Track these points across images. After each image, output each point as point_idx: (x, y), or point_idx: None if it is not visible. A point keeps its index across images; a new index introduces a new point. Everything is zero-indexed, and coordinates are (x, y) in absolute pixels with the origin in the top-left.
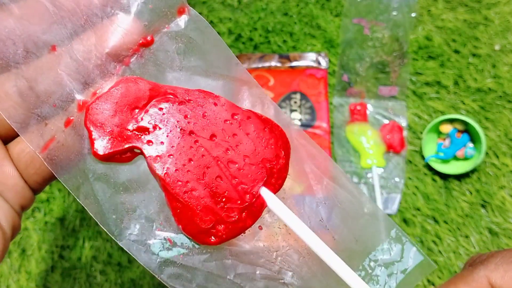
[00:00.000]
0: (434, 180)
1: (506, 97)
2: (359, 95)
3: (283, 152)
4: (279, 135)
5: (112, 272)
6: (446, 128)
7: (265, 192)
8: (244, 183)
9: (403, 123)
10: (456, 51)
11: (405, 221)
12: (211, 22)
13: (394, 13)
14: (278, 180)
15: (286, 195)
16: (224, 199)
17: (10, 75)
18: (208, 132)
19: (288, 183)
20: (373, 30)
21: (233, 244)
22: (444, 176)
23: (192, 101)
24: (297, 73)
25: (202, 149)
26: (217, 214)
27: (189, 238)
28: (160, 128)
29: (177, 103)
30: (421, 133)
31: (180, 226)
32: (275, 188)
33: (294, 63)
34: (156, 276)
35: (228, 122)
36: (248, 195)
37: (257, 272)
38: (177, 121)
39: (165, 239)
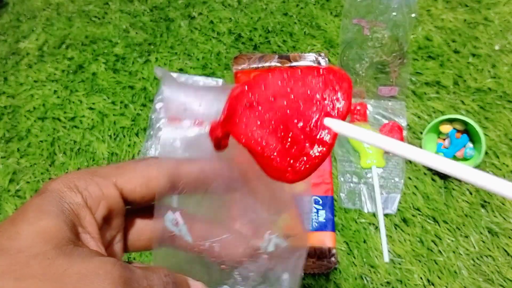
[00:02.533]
0: (433, 180)
1: (506, 97)
2: (359, 95)
3: (337, 86)
4: (333, 75)
5: None
6: (446, 128)
7: (328, 121)
8: (307, 122)
9: (403, 123)
10: (456, 51)
11: (404, 221)
12: (211, 22)
13: (394, 13)
14: (340, 109)
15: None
16: (290, 140)
17: None
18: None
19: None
20: (373, 31)
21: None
22: (444, 176)
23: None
24: None
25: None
26: (289, 153)
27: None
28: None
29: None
30: (421, 133)
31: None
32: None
33: (294, 63)
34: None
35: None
36: (311, 129)
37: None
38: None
39: (175, 220)
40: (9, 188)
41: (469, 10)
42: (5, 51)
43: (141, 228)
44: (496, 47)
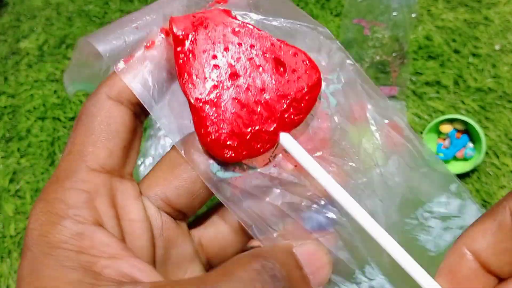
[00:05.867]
0: None
1: (506, 97)
2: None
3: (305, 86)
4: (304, 68)
5: None
6: (446, 128)
7: (283, 136)
8: (262, 121)
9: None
10: (456, 51)
11: None
12: None
13: (394, 13)
14: (297, 115)
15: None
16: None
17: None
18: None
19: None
20: (373, 31)
21: (282, 175)
22: None
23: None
24: None
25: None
26: (234, 126)
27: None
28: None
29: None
30: (421, 133)
31: (198, 136)
32: (292, 123)
33: None
34: (214, 192)
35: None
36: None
37: (303, 203)
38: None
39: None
40: (9, 188)
41: (469, 10)
42: (5, 51)
43: (192, 182)
44: (496, 47)
